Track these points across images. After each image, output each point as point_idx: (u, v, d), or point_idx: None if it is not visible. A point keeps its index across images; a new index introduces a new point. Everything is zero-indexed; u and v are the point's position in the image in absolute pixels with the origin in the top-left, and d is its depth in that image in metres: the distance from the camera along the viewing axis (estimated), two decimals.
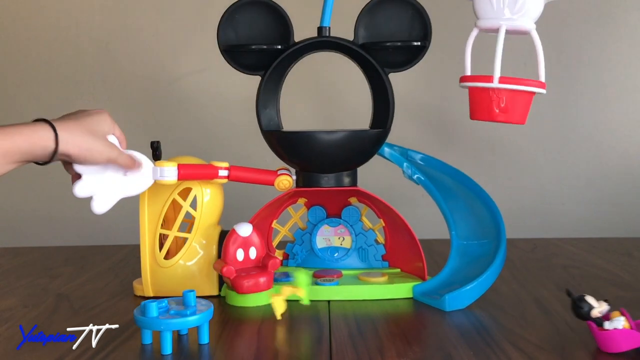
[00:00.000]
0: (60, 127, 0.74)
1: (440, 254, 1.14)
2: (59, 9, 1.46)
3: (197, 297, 0.78)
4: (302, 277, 0.84)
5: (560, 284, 1.01)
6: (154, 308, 0.74)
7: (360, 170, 0.99)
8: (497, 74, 0.85)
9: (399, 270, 1.01)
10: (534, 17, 0.87)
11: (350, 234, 1.03)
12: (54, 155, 0.74)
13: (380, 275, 0.97)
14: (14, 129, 0.71)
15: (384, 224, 1.03)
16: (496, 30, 0.88)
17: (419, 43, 0.94)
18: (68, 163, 0.81)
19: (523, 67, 1.31)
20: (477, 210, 0.99)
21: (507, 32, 0.87)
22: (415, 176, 0.99)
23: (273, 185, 0.97)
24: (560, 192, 1.47)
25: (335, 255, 1.03)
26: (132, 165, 0.84)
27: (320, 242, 1.03)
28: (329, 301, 0.93)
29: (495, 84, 0.85)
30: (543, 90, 0.88)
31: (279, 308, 0.84)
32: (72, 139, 0.75)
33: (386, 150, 1.00)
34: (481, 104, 0.87)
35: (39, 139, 0.72)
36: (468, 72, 0.90)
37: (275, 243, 1.05)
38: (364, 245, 1.02)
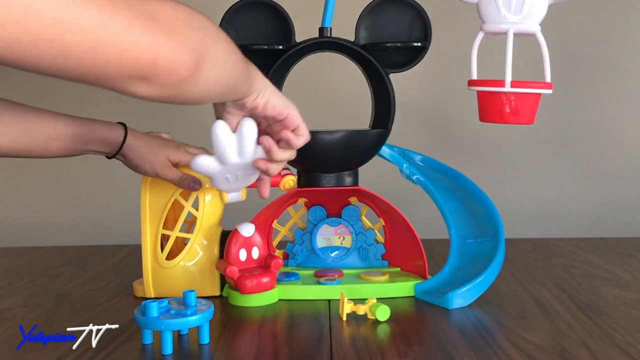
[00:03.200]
0: (131, 131, 0.90)
1: (440, 254, 1.14)
2: None
3: (197, 297, 0.78)
4: (384, 310, 0.84)
5: (560, 284, 1.01)
6: (154, 308, 0.74)
7: (361, 170, 0.99)
8: (508, 78, 0.86)
9: (399, 269, 1.02)
10: (539, 19, 0.87)
11: (350, 233, 1.03)
12: (117, 151, 0.88)
13: (380, 274, 0.97)
14: (91, 120, 0.87)
15: (384, 224, 1.03)
16: (502, 34, 0.88)
17: (419, 44, 0.94)
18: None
19: (523, 67, 1.31)
20: (475, 209, 0.99)
21: (513, 34, 0.87)
22: (415, 177, 1.00)
23: (278, 186, 0.97)
24: (560, 192, 1.48)
25: (336, 254, 1.03)
26: (188, 186, 0.91)
27: (321, 241, 1.03)
28: (329, 300, 0.93)
29: (507, 88, 0.86)
30: (550, 91, 0.89)
31: (346, 310, 0.84)
32: (135, 144, 0.89)
33: (386, 150, 1.00)
34: (492, 107, 0.88)
35: (110, 133, 0.87)
36: (474, 76, 0.91)
37: (275, 243, 1.05)
38: (364, 244, 1.03)
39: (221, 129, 0.76)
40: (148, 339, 0.77)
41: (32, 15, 0.44)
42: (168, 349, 0.74)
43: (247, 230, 0.92)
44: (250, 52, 0.95)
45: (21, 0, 0.43)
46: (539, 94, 0.88)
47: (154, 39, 0.51)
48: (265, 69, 0.95)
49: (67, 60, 0.48)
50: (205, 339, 0.77)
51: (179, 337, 0.78)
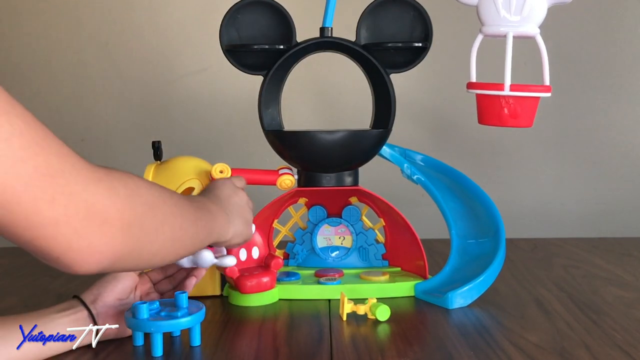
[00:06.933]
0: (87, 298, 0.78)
1: (440, 254, 1.14)
2: (59, 9, 1.46)
3: (195, 298, 0.78)
4: (384, 310, 0.84)
5: (560, 284, 1.01)
6: (144, 310, 0.73)
7: (361, 170, 0.99)
8: (507, 81, 0.86)
9: (399, 269, 1.02)
10: (539, 22, 0.87)
11: (350, 233, 1.03)
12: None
13: (381, 274, 0.97)
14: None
15: (384, 224, 1.03)
16: (501, 36, 0.88)
17: (420, 44, 0.94)
18: None
19: (523, 67, 1.31)
20: (476, 209, 0.99)
21: (513, 37, 0.87)
22: (415, 176, 1.00)
23: (275, 185, 0.97)
24: (560, 192, 1.48)
25: (336, 254, 1.03)
26: None
27: (321, 241, 1.03)
28: (329, 300, 0.93)
29: (506, 92, 0.86)
30: (549, 94, 0.89)
31: (346, 310, 0.84)
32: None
33: (387, 150, 1.00)
34: (491, 110, 0.88)
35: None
36: (473, 78, 0.91)
37: (275, 243, 1.05)
38: (365, 244, 1.03)
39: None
40: (139, 340, 0.76)
41: None
42: (158, 351, 0.73)
43: None
44: (251, 51, 0.95)
45: None
46: (538, 97, 0.88)
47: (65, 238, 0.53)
48: (266, 69, 0.95)
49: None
50: (197, 341, 0.76)
51: (170, 339, 0.78)
